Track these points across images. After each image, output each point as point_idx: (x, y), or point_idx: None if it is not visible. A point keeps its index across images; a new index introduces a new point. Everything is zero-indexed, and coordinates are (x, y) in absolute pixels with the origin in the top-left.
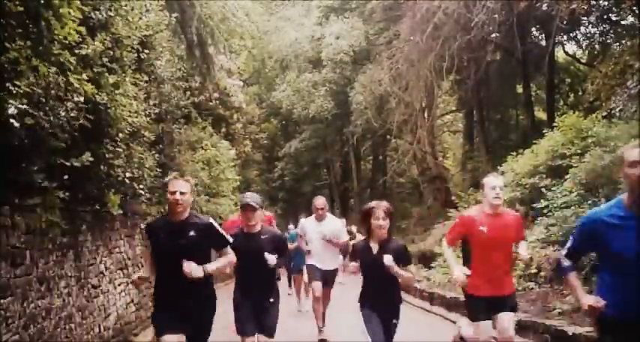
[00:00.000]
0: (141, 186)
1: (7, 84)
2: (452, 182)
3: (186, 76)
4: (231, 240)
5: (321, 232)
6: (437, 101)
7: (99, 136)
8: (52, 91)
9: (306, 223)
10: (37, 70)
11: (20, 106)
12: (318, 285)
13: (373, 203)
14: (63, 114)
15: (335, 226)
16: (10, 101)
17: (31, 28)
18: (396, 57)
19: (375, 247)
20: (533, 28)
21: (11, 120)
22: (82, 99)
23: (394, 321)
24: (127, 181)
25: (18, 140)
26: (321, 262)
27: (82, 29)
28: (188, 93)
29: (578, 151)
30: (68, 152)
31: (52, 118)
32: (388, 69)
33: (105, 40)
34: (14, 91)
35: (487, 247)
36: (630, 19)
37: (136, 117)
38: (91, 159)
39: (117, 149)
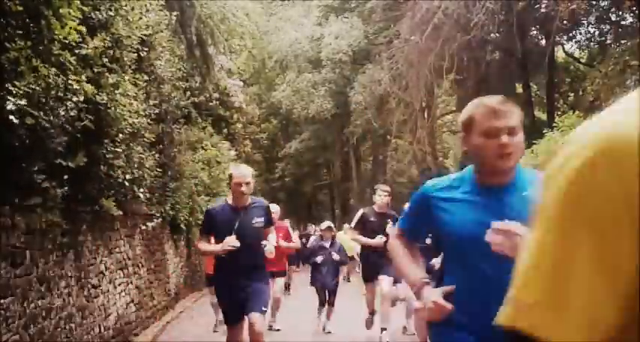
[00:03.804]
0: (141, 185)
1: (7, 84)
2: None
3: (186, 76)
4: None
5: None
6: (437, 101)
7: (99, 136)
8: (52, 91)
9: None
10: (37, 71)
11: (19, 102)
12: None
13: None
14: (63, 114)
15: None
16: (9, 98)
17: (32, 28)
18: (396, 57)
19: None
20: (533, 28)
21: (10, 116)
22: (81, 99)
23: None
24: (127, 181)
25: (18, 140)
26: None
27: (83, 28)
28: (188, 93)
29: None
30: (68, 153)
31: (52, 118)
32: (388, 69)
33: (105, 40)
34: (14, 92)
35: None
36: (630, 19)
37: (136, 117)
38: (85, 160)
39: (117, 149)
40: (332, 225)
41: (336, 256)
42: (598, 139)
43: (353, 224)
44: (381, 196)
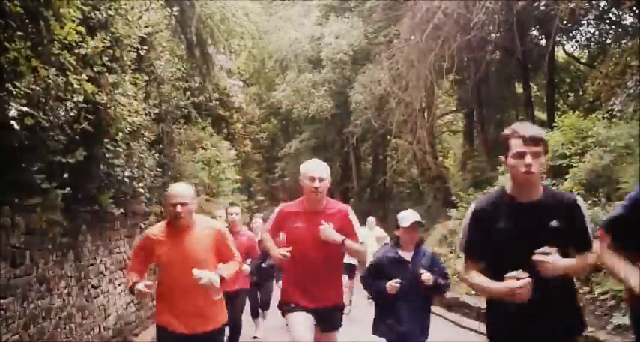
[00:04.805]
0: (141, 184)
1: (7, 85)
2: (452, 182)
3: (186, 76)
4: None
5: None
6: (437, 101)
7: (98, 135)
8: (52, 91)
9: None
10: (36, 71)
11: (21, 107)
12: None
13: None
14: (62, 114)
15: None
16: (12, 103)
17: (31, 29)
18: (396, 57)
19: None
20: (533, 28)
21: (12, 122)
22: (81, 99)
23: None
24: (127, 180)
25: (18, 141)
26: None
27: (82, 29)
28: (188, 93)
29: (578, 151)
30: (67, 151)
31: (52, 118)
32: (388, 69)
33: (105, 39)
34: (14, 92)
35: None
36: (630, 19)
37: (136, 116)
38: (85, 154)
39: (117, 149)
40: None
41: (426, 276)
42: None
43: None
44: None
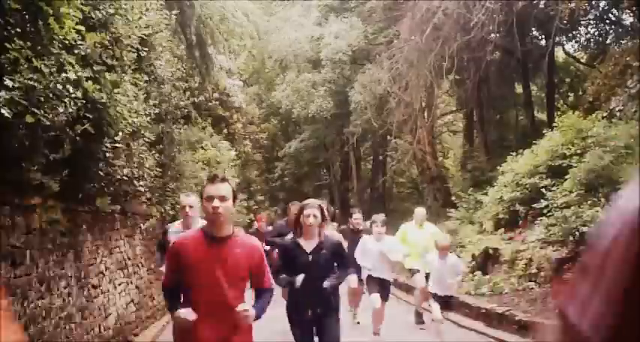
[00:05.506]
0: (141, 184)
1: (5, 78)
2: (452, 182)
3: (186, 76)
4: None
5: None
6: (437, 101)
7: (98, 135)
8: (51, 84)
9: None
10: (36, 70)
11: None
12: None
13: None
14: (62, 110)
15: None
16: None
17: (30, 28)
18: (396, 57)
19: None
20: (533, 28)
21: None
22: (79, 95)
23: None
24: (127, 180)
25: (17, 141)
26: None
27: (82, 28)
28: (188, 93)
29: (578, 151)
30: (62, 148)
31: (51, 116)
32: (388, 69)
33: (104, 38)
34: (10, 86)
35: None
36: (630, 19)
37: (136, 116)
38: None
39: (116, 148)
40: None
41: None
42: None
43: None
44: None
